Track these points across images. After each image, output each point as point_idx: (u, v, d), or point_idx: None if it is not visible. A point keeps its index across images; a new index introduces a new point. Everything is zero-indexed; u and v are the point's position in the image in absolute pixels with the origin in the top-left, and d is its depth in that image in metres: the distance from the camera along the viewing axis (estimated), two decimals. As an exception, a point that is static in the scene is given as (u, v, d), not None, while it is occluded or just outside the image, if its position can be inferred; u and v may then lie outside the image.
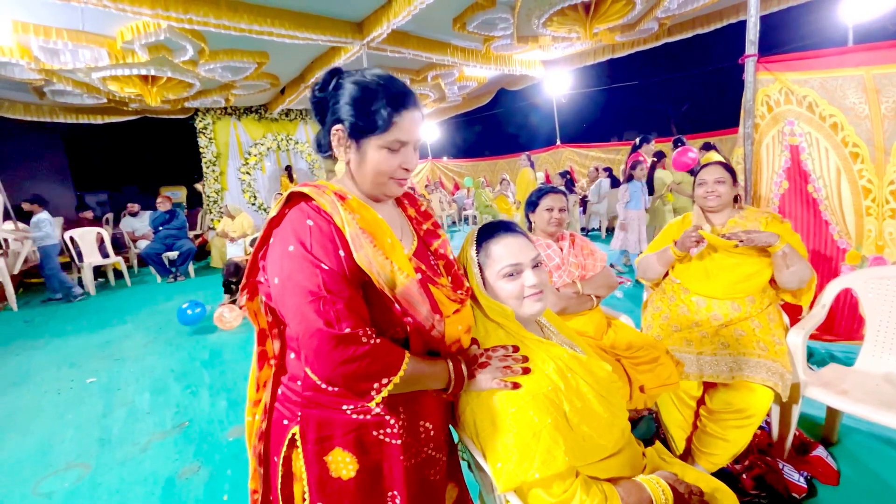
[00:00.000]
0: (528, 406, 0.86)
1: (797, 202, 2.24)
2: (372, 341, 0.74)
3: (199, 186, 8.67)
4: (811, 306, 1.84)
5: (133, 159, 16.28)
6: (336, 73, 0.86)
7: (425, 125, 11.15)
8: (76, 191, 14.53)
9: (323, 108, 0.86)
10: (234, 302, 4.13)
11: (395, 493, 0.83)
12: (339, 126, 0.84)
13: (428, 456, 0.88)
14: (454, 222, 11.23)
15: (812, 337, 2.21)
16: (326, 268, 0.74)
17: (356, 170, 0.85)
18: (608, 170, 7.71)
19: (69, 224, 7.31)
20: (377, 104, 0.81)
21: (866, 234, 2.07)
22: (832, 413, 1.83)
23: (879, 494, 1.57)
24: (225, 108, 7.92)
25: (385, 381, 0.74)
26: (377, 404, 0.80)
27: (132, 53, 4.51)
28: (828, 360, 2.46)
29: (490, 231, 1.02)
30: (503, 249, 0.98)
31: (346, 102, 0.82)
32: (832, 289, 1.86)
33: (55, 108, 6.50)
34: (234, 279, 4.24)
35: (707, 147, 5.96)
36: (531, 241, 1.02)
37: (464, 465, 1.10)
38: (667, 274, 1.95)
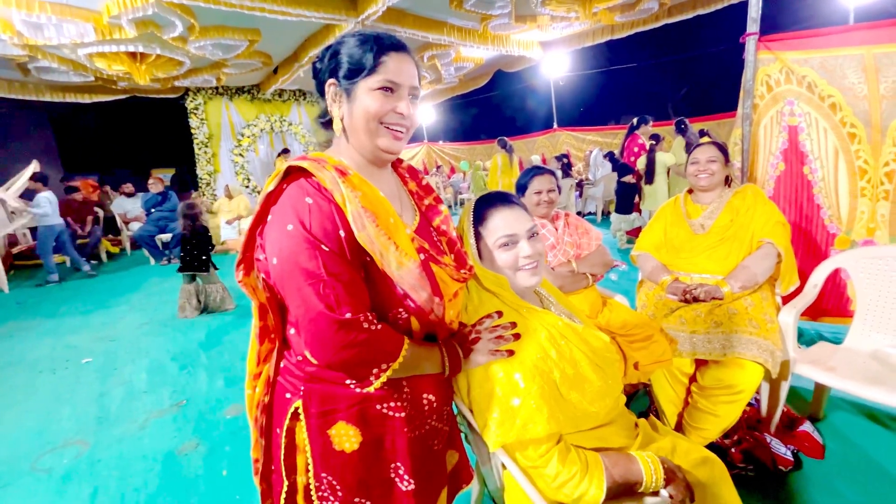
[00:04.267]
0: (515, 371, 0.89)
1: (792, 184, 2.24)
2: (373, 327, 0.73)
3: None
4: (802, 286, 1.87)
5: (123, 140, 15.95)
6: (331, 46, 0.86)
7: (424, 108, 11.04)
8: (65, 172, 14.26)
9: (320, 78, 0.86)
10: (193, 278, 3.87)
11: (399, 464, 0.84)
12: (331, 81, 0.82)
13: (431, 427, 0.89)
14: (450, 206, 11.20)
15: (801, 316, 2.25)
16: (326, 249, 0.72)
17: (349, 123, 0.83)
18: (610, 154, 7.66)
19: (60, 206, 7.18)
20: (362, 47, 0.80)
21: (859, 216, 2.08)
22: (819, 390, 1.88)
23: (861, 467, 1.62)
24: (216, 88, 7.74)
25: (384, 366, 0.75)
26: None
27: (119, 29, 4.37)
28: (816, 339, 2.51)
29: (487, 202, 1.03)
30: (499, 220, 1.00)
31: (335, 56, 0.82)
32: (824, 269, 1.89)
33: (40, 85, 6.33)
34: (196, 246, 3.75)
35: (702, 134, 5.98)
36: (528, 212, 1.03)
37: (462, 435, 1.13)
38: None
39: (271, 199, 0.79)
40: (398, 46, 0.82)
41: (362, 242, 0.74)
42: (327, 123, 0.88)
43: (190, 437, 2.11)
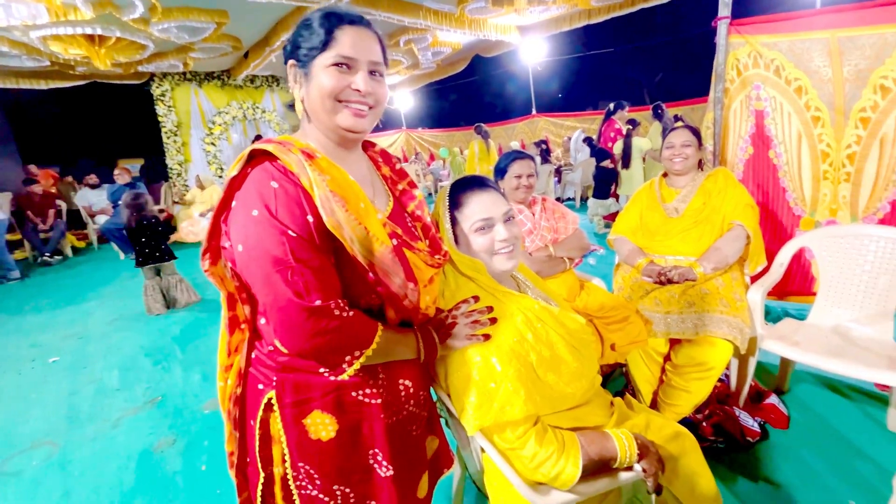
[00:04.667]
0: (492, 355, 0.89)
1: (760, 167, 2.31)
2: (344, 314, 0.71)
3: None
4: (769, 266, 1.93)
5: (86, 129, 15.17)
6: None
7: (401, 94, 10.83)
8: (24, 164, 13.52)
9: (286, 62, 0.83)
10: (154, 268, 3.73)
11: (377, 450, 0.84)
12: (291, 61, 0.80)
13: (409, 413, 0.89)
14: (430, 194, 11.13)
15: (768, 296, 2.34)
16: (294, 234, 0.69)
17: (309, 104, 0.80)
18: (589, 139, 7.72)
19: (20, 199, 6.82)
20: (316, 23, 0.78)
21: (821, 198, 2.16)
22: (785, 364, 1.96)
23: (824, 435, 1.71)
24: (184, 74, 7.42)
25: (357, 353, 0.73)
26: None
27: (74, 10, 4.12)
28: (783, 317, 2.61)
29: (463, 186, 1.02)
30: (475, 204, 0.99)
31: (295, 35, 0.80)
32: (790, 248, 1.96)
33: (-9, 71, 5.94)
34: (148, 236, 3.60)
35: (676, 119, 6.08)
36: (503, 196, 1.02)
37: (442, 421, 1.13)
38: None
39: (235, 184, 0.76)
40: (354, 20, 0.78)
41: (331, 227, 0.72)
42: (292, 106, 0.85)
43: (166, 434, 2.06)
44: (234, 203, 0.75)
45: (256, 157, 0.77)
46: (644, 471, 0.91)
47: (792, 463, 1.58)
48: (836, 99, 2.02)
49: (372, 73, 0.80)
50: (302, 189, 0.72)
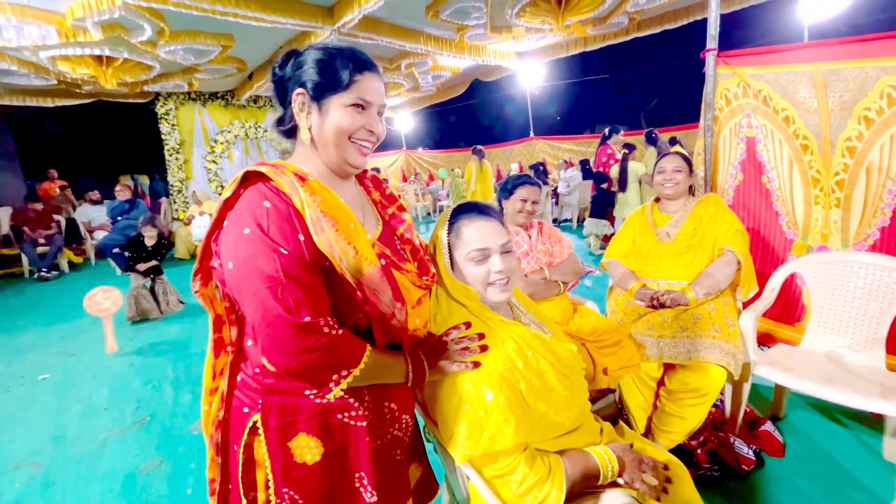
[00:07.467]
0: (483, 383, 0.88)
1: (751, 193, 2.34)
2: (333, 332, 0.72)
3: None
4: (761, 291, 1.94)
5: (90, 146, 15.37)
6: (293, 52, 0.86)
7: (402, 115, 11.05)
8: (26, 179, 13.62)
9: (283, 85, 0.86)
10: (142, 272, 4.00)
11: (362, 473, 0.83)
12: (300, 90, 0.82)
13: (393, 436, 0.88)
14: (429, 213, 11.20)
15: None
16: (285, 252, 0.71)
17: (318, 134, 0.83)
18: (584, 161, 7.82)
19: (17, 215, 6.85)
20: (338, 63, 0.81)
21: (813, 222, 2.19)
22: (779, 390, 1.95)
23: (819, 463, 1.69)
24: (188, 93, 7.58)
25: (344, 373, 0.73)
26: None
27: (84, 32, 4.24)
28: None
29: (464, 211, 1.02)
30: (474, 232, 0.98)
31: (309, 66, 0.82)
32: (781, 273, 1.97)
33: (-1, 88, 6.06)
34: (136, 250, 3.99)
35: (673, 142, 6.20)
36: (504, 226, 1.03)
37: (429, 446, 1.12)
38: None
39: (228, 204, 0.78)
40: (370, 65, 0.84)
41: (321, 246, 0.73)
42: (288, 131, 0.88)
43: (153, 455, 2.02)
44: (225, 223, 0.77)
45: (250, 179, 0.79)
46: (627, 484, 0.90)
47: (787, 492, 1.55)
48: (823, 129, 2.07)
49: (379, 113, 0.86)
50: (294, 209, 0.75)
